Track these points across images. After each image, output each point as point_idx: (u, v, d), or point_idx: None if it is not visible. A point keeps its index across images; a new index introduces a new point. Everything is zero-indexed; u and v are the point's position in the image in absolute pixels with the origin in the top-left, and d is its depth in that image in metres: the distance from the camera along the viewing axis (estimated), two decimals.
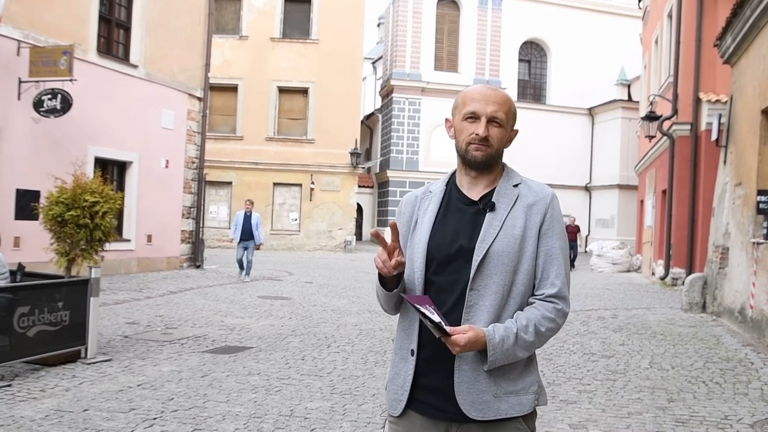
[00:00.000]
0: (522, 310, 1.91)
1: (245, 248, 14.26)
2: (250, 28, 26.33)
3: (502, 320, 1.88)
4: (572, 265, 20.53)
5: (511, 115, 1.98)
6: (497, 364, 1.83)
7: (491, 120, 1.93)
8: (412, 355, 1.94)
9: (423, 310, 1.78)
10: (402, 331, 2.01)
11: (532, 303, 1.92)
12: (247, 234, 14.29)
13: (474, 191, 2.00)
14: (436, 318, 1.78)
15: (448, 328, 1.78)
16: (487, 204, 1.95)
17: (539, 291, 1.93)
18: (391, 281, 1.95)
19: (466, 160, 1.98)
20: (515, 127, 2.03)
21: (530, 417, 1.95)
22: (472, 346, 1.79)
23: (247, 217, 14.35)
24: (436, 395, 1.89)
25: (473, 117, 1.94)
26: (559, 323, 1.92)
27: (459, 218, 1.97)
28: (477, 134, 1.92)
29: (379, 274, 1.94)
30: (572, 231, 22.11)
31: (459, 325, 1.86)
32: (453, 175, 2.08)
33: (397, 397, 1.97)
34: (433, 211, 2.01)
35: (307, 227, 26.39)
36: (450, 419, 1.90)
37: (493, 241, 1.89)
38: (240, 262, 14.35)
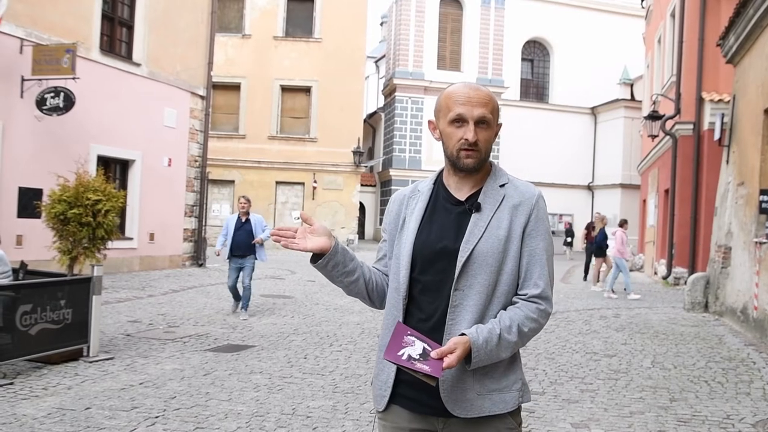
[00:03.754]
0: (505, 309, 1.92)
1: (240, 268, 9.56)
2: (252, 26, 26.34)
3: (486, 320, 1.89)
4: (585, 276, 17.32)
5: (496, 112, 1.98)
6: (480, 364, 1.84)
7: (479, 122, 1.93)
8: None
9: (408, 365, 1.76)
10: (386, 329, 2.01)
11: (515, 303, 1.93)
12: (241, 248, 9.51)
13: (461, 191, 2.00)
14: (425, 366, 1.76)
15: (434, 354, 1.77)
16: (473, 204, 1.95)
17: (522, 291, 1.94)
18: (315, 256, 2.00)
19: (457, 166, 1.97)
20: (499, 121, 2.03)
21: (516, 412, 1.98)
22: (463, 356, 1.80)
23: (242, 224, 9.57)
24: (421, 391, 1.90)
25: (460, 121, 1.93)
26: (541, 323, 1.94)
27: (445, 218, 1.98)
28: (467, 139, 1.92)
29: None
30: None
31: (444, 324, 1.88)
32: (441, 173, 2.08)
33: (381, 393, 2.00)
34: (420, 211, 2.02)
35: None
36: (436, 414, 1.92)
37: (477, 242, 1.90)
38: (233, 290, 9.68)
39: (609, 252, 14.87)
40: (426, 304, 1.93)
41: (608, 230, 15.58)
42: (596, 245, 15.43)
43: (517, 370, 1.98)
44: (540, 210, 1.98)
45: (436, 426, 1.94)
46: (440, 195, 2.03)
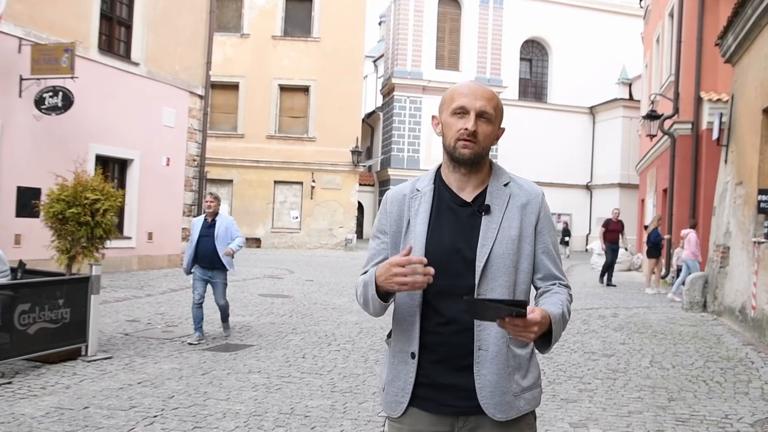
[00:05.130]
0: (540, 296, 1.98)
1: (206, 281, 7.61)
2: (251, 26, 26.35)
3: None
4: (609, 281, 15.71)
5: (499, 112, 1.98)
6: (554, 342, 1.85)
7: (480, 115, 1.92)
8: (413, 357, 1.92)
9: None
10: (400, 334, 1.96)
11: (549, 289, 1.97)
12: (208, 257, 7.49)
13: (465, 191, 1.98)
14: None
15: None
16: (481, 206, 1.94)
17: (548, 282, 1.98)
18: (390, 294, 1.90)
19: (453, 158, 1.95)
20: (502, 126, 2.02)
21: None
22: (545, 324, 1.76)
23: (208, 227, 7.53)
24: (446, 393, 1.89)
25: (462, 112, 1.92)
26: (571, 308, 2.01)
27: (454, 220, 1.95)
28: (466, 129, 1.90)
29: (376, 285, 1.85)
30: (615, 230, 16.06)
31: (469, 328, 1.87)
32: (438, 171, 2.05)
33: (398, 399, 1.95)
34: (426, 212, 1.97)
35: (308, 225, 26.40)
36: (457, 413, 1.90)
37: (492, 245, 1.89)
38: (197, 312, 7.52)
39: (675, 253, 14.29)
40: (444, 308, 1.90)
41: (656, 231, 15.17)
42: (650, 245, 14.66)
43: (537, 366, 2.01)
44: (546, 207, 2.02)
45: (455, 426, 1.92)
46: (444, 195, 1.99)
